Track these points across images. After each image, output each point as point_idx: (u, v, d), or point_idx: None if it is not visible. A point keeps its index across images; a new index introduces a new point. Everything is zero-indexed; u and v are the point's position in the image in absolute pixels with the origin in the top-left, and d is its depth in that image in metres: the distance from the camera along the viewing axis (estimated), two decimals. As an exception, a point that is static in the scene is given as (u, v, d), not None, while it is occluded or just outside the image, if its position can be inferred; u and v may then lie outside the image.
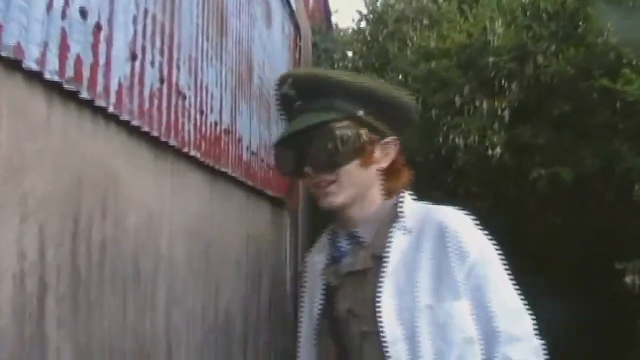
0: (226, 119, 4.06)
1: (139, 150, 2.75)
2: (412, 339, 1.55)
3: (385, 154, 1.71)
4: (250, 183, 4.84)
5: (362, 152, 1.65)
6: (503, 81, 5.42)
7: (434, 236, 1.62)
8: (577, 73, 4.92)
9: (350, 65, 13.34)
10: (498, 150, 5.41)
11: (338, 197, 1.65)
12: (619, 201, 4.70)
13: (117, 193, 2.53)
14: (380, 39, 11.95)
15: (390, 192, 1.76)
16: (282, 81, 1.74)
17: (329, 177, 1.64)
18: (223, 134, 3.98)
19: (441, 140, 5.96)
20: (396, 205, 1.73)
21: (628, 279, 4.27)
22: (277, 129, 6.23)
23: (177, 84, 3.09)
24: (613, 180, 4.73)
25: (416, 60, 6.74)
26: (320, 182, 1.65)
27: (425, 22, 7.79)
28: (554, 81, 5.26)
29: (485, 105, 5.61)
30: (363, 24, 14.38)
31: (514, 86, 5.34)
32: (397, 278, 1.60)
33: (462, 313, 1.56)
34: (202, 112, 3.50)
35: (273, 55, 6.21)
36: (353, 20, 15.69)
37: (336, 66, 12.44)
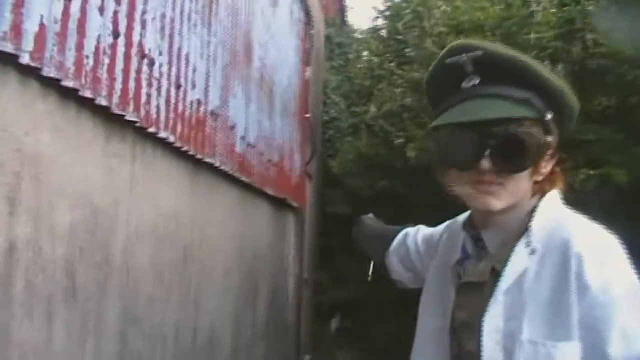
0: (214, 100, 3.38)
1: (76, 123, 2.06)
2: None
3: (547, 164, 1.50)
4: (244, 179, 4.16)
5: (539, 161, 1.46)
6: (546, 62, 4.62)
7: (557, 258, 1.40)
8: (635, 53, 4.14)
9: (365, 65, 12.91)
10: None
11: (499, 201, 1.44)
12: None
13: (38, 179, 1.85)
14: (399, 31, 11.47)
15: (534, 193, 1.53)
16: (460, 48, 1.47)
17: (498, 178, 1.42)
18: (209, 117, 3.30)
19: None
20: (530, 213, 1.50)
21: None
22: (281, 121, 5.58)
23: (141, 44, 2.41)
24: None
25: (439, 42, 6.01)
26: (486, 179, 1.43)
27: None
28: (605, 64, 4.48)
29: None
30: (379, 21, 13.92)
31: (559, 68, 4.52)
32: (511, 299, 1.42)
33: (566, 356, 1.33)
34: (178, 86, 2.82)
35: (278, 38, 5.53)
36: (369, 18, 15.11)
37: (350, 64, 11.92)
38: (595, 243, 1.40)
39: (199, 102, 3.11)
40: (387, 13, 13.91)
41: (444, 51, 1.51)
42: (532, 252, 1.44)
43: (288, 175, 6.15)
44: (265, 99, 4.92)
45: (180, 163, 3.03)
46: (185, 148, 2.94)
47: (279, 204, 5.83)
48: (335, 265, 10.22)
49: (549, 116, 1.43)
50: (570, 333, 1.34)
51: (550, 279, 1.40)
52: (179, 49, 2.83)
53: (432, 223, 1.94)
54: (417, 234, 2.01)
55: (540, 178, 1.50)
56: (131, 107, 2.32)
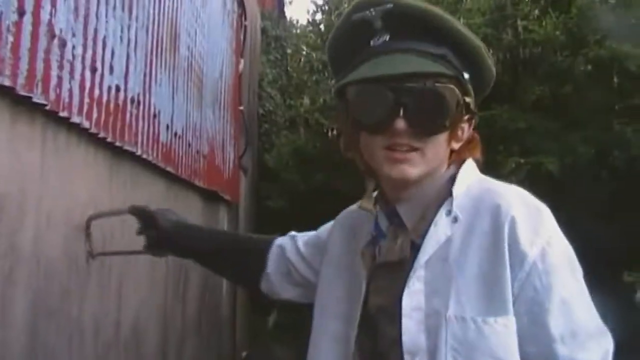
0: (134, 86, 3.28)
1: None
2: (433, 354, 1.26)
3: (462, 131, 1.43)
4: (170, 169, 4.07)
5: (457, 124, 1.38)
6: None
7: (486, 226, 1.30)
8: (567, 40, 4.16)
9: (302, 59, 12.92)
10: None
11: (416, 168, 1.33)
12: (620, 196, 4.00)
13: None
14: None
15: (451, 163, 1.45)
16: (367, 3, 1.35)
17: (415, 142, 1.32)
18: (129, 104, 3.20)
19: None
20: (449, 182, 1.42)
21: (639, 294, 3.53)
22: (213, 113, 5.50)
23: (50, 23, 2.31)
24: (613, 169, 4.02)
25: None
26: (403, 143, 1.32)
27: None
28: (537, 51, 4.50)
29: None
30: (318, 16, 13.96)
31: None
32: (432, 274, 1.31)
33: (499, 334, 1.24)
34: (93, 70, 2.72)
35: (209, 28, 5.44)
36: (308, 12, 15.07)
37: (288, 59, 11.89)
38: (527, 209, 1.33)
39: (117, 88, 3.01)
40: (326, 7, 13.94)
41: (349, 7, 1.41)
42: (455, 220, 1.35)
43: (220, 168, 6.06)
44: (194, 89, 4.83)
45: (99, 150, 2.93)
46: (102, 135, 2.84)
47: (210, 197, 5.74)
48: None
49: (466, 75, 1.36)
50: (504, 307, 1.26)
51: (479, 249, 1.31)
52: (95, 32, 2.73)
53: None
54: (296, 242, 1.88)
55: (457, 145, 1.43)
56: (39, 90, 2.22)
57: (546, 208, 1.36)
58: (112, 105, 2.94)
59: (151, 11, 3.62)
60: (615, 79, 4.16)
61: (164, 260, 4.30)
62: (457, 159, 1.45)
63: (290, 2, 19.41)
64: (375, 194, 1.53)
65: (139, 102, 3.34)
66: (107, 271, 3.13)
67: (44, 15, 2.26)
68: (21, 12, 2.10)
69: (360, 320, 1.43)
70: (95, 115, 2.74)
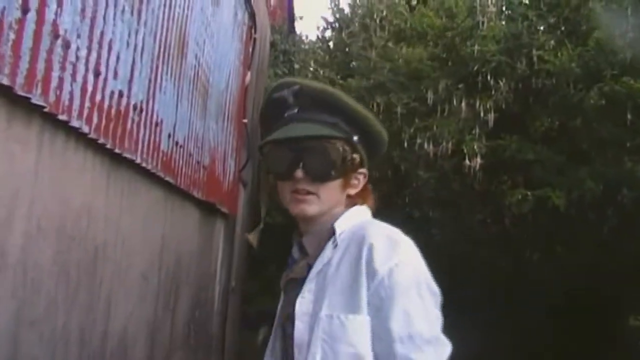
0: (138, 93, 3.20)
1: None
2: (309, 345, 1.61)
3: (358, 181, 1.81)
4: (169, 179, 3.98)
5: (348, 174, 1.75)
6: (489, 77, 4.57)
7: (355, 250, 1.66)
8: (582, 72, 4.09)
9: (310, 75, 12.91)
10: (477, 160, 4.55)
11: (312, 208, 1.72)
12: (625, 233, 3.90)
13: None
14: (346, 44, 11.51)
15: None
16: (283, 85, 1.81)
17: (311, 187, 1.71)
18: (131, 110, 3.12)
19: (405, 147, 5.11)
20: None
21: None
22: (216, 124, 5.43)
23: (55, 23, 2.23)
24: (620, 207, 3.92)
25: (384, 53, 5.93)
26: (302, 189, 1.71)
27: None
28: (550, 82, 4.43)
29: (464, 105, 4.80)
30: (328, 33, 13.93)
31: (501, 84, 4.48)
32: (317, 286, 1.68)
33: (356, 328, 1.58)
34: (97, 74, 2.64)
35: (218, 38, 5.38)
36: (318, 28, 15.04)
37: (296, 73, 11.86)
38: (385, 239, 1.65)
39: (120, 93, 2.93)
40: (336, 25, 13.91)
41: (271, 88, 1.86)
42: (335, 247, 1.72)
43: (219, 180, 5.97)
44: (199, 99, 4.75)
45: (97, 156, 2.85)
46: (102, 141, 2.76)
47: (208, 209, 5.65)
48: (266, 275, 10.06)
49: (355, 138, 1.74)
50: (360, 308, 1.59)
51: (348, 266, 1.65)
52: (102, 34, 2.66)
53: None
54: None
55: (352, 192, 1.80)
56: (39, 91, 2.14)
57: (406, 242, 1.68)
58: (113, 111, 2.86)
59: (160, 17, 3.55)
60: (629, 116, 4.08)
61: (156, 273, 4.22)
62: (349, 203, 1.81)
63: (301, 18, 19.39)
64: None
65: (141, 110, 3.26)
66: (98, 283, 3.04)
67: (49, 15, 2.18)
68: (25, 10, 2.02)
69: (279, 328, 1.83)
70: (95, 120, 2.65)
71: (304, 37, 13.95)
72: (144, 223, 3.75)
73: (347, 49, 10.92)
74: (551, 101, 4.48)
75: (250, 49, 7.39)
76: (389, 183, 6.38)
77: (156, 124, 3.55)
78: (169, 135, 3.88)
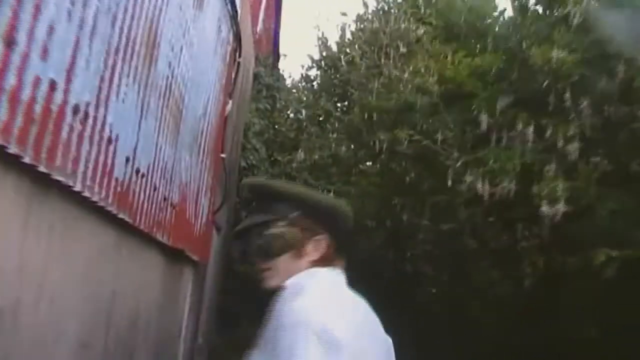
0: (82, 91, 2.26)
1: None
2: None
3: (316, 248, 1.93)
4: (124, 217, 3.02)
5: (292, 247, 1.92)
6: (566, 94, 3.61)
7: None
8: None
9: (292, 115, 12.25)
10: (561, 206, 3.47)
11: (271, 281, 1.92)
12: None
13: None
14: (335, 83, 10.87)
15: None
16: (243, 186, 2.24)
17: (265, 265, 1.93)
18: (68, 112, 2.16)
19: (406, 191, 4.19)
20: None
21: None
22: (189, 156, 4.54)
23: None
24: None
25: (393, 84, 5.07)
26: (261, 267, 1.94)
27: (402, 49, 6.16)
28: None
29: (531, 131, 3.79)
30: (313, 72, 13.26)
31: (583, 103, 3.52)
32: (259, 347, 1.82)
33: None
34: (10, 43, 1.69)
35: (198, 50, 4.47)
36: (302, 67, 14.25)
37: (277, 105, 11.11)
38: (294, 286, 1.83)
39: (52, 85, 1.98)
40: (322, 63, 13.13)
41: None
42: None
43: (190, 222, 5.01)
44: (170, 120, 3.81)
45: (8, 174, 1.88)
46: (14, 150, 1.80)
47: (175, 255, 4.67)
48: (239, 331, 9.12)
49: (294, 214, 1.93)
50: (262, 346, 1.77)
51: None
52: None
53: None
54: None
55: (314, 257, 1.92)
56: None
57: (314, 286, 1.83)
58: (37, 108, 1.90)
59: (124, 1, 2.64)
60: None
61: (102, 338, 3.23)
62: (310, 267, 1.92)
63: (285, 56, 18.62)
64: None
65: (86, 115, 2.31)
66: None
67: None
68: None
69: None
70: (3, 115, 1.70)
71: (287, 76, 13.21)
72: (86, 274, 2.78)
73: (334, 80, 10.19)
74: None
75: (233, 74, 6.49)
76: (386, 233, 5.56)
77: (108, 141, 2.60)
78: (127, 160, 2.93)
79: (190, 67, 4.23)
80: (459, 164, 3.94)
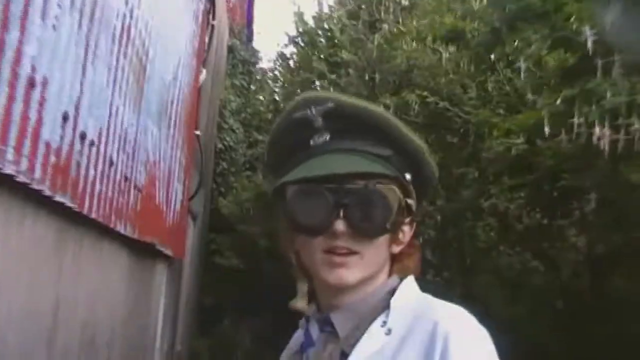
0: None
1: None
2: None
3: (404, 235, 1.29)
4: (64, 200, 2.18)
5: (398, 226, 1.25)
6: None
7: (421, 341, 1.17)
8: None
9: (267, 97, 11.60)
10: None
11: (354, 273, 1.20)
12: None
13: None
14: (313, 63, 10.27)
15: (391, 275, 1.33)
16: (308, 101, 1.24)
17: (355, 245, 1.19)
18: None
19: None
20: (389, 293, 1.27)
21: None
22: (158, 129, 3.71)
23: None
24: None
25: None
26: (341, 246, 1.18)
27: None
28: None
29: None
30: (289, 49, 12.52)
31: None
32: None
33: None
34: None
35: (165, 6, 3.62)
36: (278, 45, 13.51)
37: (252, 86, 10.49)
38: (464, 328, 1.18)
39: None
40: (299, 40, 12.40)
41: (290, 105, 1.28)
42: (389, 332, 1.22)
43: (161, 209, 4.18)
44: (130, 75, 2.97)
45: None
46: None
47: (143, 250, 3.84)
48: (222, 331, 8.49)
49: (408, 177, 1.26)
50: None
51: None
52: None
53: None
54: None
55: (396, 249, 1.29)
56: None
57: (483, 331, 1.20)
58: None
59: None
60: None
61: (45, 355, 2.42)
62: (398, 266, 1.31)
63: (259, 33, 17.87)
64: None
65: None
66: None
67: None
68: None
69: None
70: None
71: (262, 54, 12.63)
72: (16, 279, 1.95)
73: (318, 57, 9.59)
74: None
75: (207, 40, 5.64)
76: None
77: (30, 83, 1.75)
78: (65, 118, 2.08)
79: (154, 12, 3.38)
80: (559, 100, 3.10)
